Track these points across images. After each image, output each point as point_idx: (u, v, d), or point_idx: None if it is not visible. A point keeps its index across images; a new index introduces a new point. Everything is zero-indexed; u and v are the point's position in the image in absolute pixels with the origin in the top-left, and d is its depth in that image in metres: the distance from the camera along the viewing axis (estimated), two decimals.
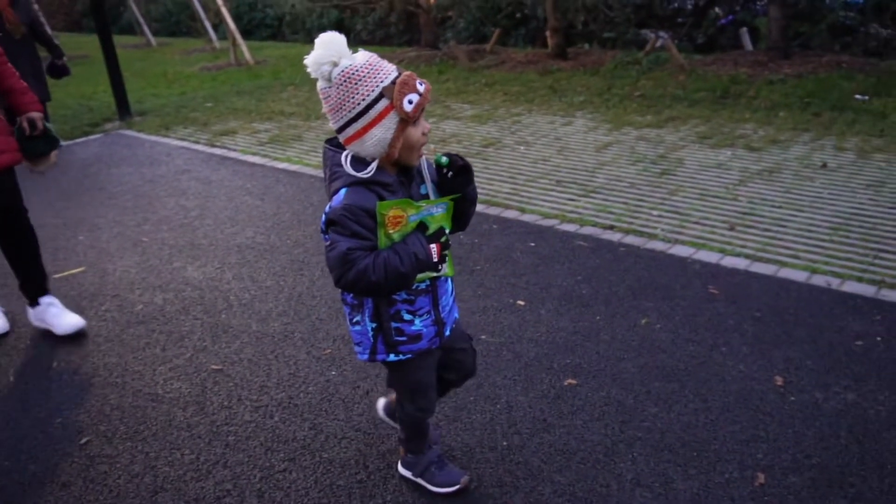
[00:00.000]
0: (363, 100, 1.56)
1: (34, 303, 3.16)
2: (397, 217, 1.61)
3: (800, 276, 3.29)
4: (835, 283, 3.20)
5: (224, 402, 2.63)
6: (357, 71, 1.56)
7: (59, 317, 3.13)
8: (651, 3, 10.85)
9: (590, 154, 5.33)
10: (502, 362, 2.74)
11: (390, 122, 1.58)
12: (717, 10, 11.19)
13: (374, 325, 1.81)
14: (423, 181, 1.76)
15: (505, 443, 2.30)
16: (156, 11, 18.31)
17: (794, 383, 2.52)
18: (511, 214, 4.25)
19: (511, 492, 2.10)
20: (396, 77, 1.58)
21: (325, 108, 1.64)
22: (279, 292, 3.44)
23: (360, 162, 1.62)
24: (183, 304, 3.39)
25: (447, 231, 1.73)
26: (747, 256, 3.51)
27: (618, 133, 5.86)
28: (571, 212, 4.22)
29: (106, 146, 6.63)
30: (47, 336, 3.15)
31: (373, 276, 1.59)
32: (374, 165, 1.61)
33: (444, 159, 1.71)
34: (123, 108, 7.63)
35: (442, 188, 1.77)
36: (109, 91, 7.72)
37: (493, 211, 4.31)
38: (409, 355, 1.84)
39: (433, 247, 1.67)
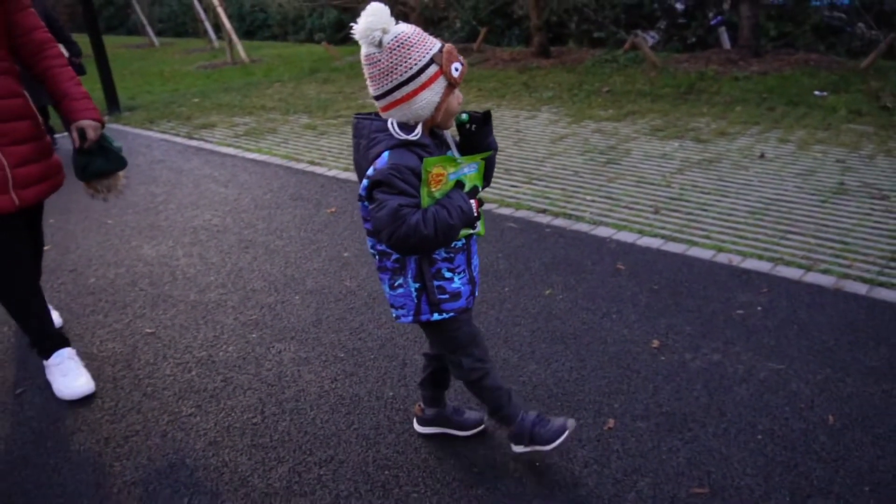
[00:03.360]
0: (415, 64, 1.66)
1: None
2: (439, 175, 1.70)
3: (706, 254, 3.49)
4: (736, 260, 3.40)
5: (150, 359, 2.88)
6: (410, 37, 1.67)
7: None
8: (642, 3, 11.05)
9: (544, 145, 5.55)
10: (407, 326, 2.96)
11: (439, 87, 1.70)
12: (710, 12, 11.35)
13: (416, 285, 1.87)
14: (448, 148, 1.86)
15: (391, 393, 2.53)
16: (161, 13, 18.76)
17: (669, 346, 2.73)
18: None
19: (385, 433, 2.33)
20: (442, 46, 1.70)
21: (369, 73, 1.71)
22: (222, 267, 3.69)
23: (404, 126, 1.73)
24: (132, 278, 3.65)
25: (480, 189, 1.85)
26: (663, 237, 3.71)
27: (577, 126, 6.07)
28: (511, 197, 4.44)
29: None
30: None
31: (424, 230, 1.67)
32: (420, 128, 1.72)
33: (465, 116, 1.82)
34: (113, 104, 7.96)
35: (466, 147, 1.87)
36: None
37: None
38: (452, 314, 1.91)
39: (472, 202, 1.78)
